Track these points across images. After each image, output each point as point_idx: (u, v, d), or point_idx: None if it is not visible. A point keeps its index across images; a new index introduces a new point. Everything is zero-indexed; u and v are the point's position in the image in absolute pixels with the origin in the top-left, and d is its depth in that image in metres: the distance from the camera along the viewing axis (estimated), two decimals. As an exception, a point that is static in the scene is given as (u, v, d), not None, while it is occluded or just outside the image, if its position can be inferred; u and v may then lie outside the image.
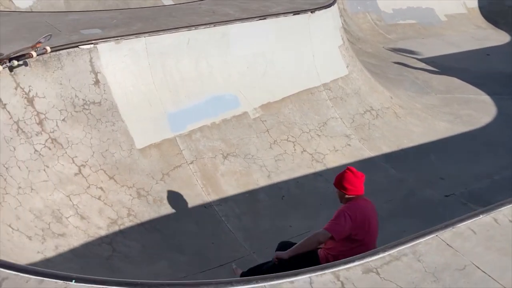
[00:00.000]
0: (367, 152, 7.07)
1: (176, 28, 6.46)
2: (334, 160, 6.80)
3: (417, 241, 3.09)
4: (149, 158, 5.78)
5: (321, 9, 7.74)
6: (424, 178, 6.66)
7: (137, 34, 6.19)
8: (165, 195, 5.56)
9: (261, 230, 5.55)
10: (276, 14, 7.35)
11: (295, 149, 6.75)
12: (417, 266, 2.91)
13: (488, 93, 9.51)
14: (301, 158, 6.67)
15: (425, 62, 11.37)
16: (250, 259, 5.11)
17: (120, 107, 5.83)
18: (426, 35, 13.86)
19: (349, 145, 7.11)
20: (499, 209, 3.40)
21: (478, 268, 2.91)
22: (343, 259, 2.97)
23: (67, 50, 5.61)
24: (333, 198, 6.14)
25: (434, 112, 8.52)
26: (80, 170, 5.25)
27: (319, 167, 6.64)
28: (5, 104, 5.02)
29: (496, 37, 13.77)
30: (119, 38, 6.03)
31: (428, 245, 3.07)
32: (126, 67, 6.04)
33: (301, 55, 7.54)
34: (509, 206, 3.44)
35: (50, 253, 4.44)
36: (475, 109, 8.79)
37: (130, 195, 5.40)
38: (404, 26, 14.11)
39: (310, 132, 7.05)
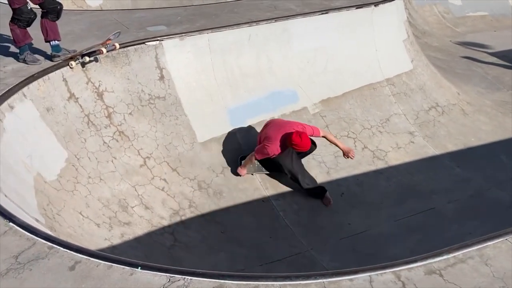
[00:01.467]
0: (432, 150, 6.81)
1: (238, 24, 6.55)
2: (397, 157, 6.62)
3: (485, 244, 2.94)
4: (210, 151, 5.91)
5: (385, 2, 7.53)
6: (493, 179, 6.32)
7: (200, 30, 6.34)
8: (224, 188, 5.67)
9: (319, 227, 5.52)
10: (339, 8, 7.24)
11: (355, 146, 6.63)
12: (484, 270, 2.78)
13: None
14: (361, 155, 6.55)
15: (496, 56, 10.72)
16: (308, 255, 5.11)
17: (183, 101, 6.01)
18: (499, 27, 13.06)
19: (413, 142, 6.89)
20: None
21: (553, 275, 2.72)
22: (405, 259, 2.89)
23: (134, 46, 5.86)
24: (394, 196, 6.04)
25: (505, 110, 8.03)
26: (145, 162, 5.48)
27: (380, 165, 6.49)
28: (77, 98, 5.33)
29: None
30: (183, 34, 6.20)
31: (497, 249, 2.92)
32: (189, 63, 6.20)
33: (364, 50, 7.39)
34: None
35: (116, 240, 4.67)
36: (552, 107, 8.19)
37: (192, 187, 5.56)
38: (474, 19, 13.40)
39: (372, 129, 6.90)
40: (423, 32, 12.17)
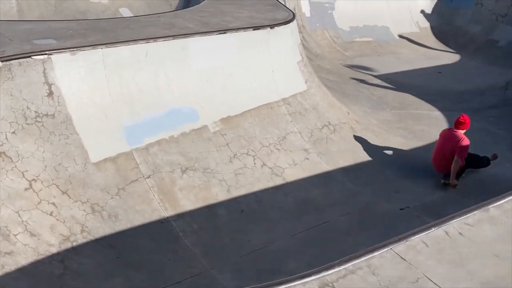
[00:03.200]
0: (325, 166, 7.16)
1: (134, 40, 6.38)
2: (293, 174, 6.86)
3: (372, 255, 3.13)
4: (104, 172, 5.62)
5: (280, 25, 7.84)
6: (380, 192, 6.81)
7: (94, 45, 6.05)
8: (120, 210, 5.41)
9: (219, 245, 5.49)
10: (236, 29, 7.39)
11: (255, 163, 6.76)
12: (372, 279, 2.95)
13: (440, 109, 9.89)
14: (260, 172, 6.68)
15: (380, 79, 11.72)
16: (208, 275, 5.04)
17: (74, 119, 5.67)
18: (382, 52, 14.31)
19: (308, 159, 7.19)
20: (449, 222, 3.51)
21: (430, 280, 2.98)
22: (300, 274, 2.97)
23: (19, 60, 5.42)
24: (291, 211, 6.23)
25: (389, 128, 8.77)
26: (30, 185, 5.04)
27: (278, 181, 6.67)
28: (-51, 116, 4.78)
29: (447, 56, 14.41)
30: (74, 49, 5.88)
31: (383, 259, 3.12)
32: (81, 78, 5.89)
33: (261, 70, 7.60)
34: (459, 219, 3.56)
35: (-5, 272, 4.22)
36: (428, 125, 9.11)
37: (84, 210, 5.23)
38: (361, 44, 14.53)
39: (270, 146, 7.09)
40: (316, 55, 12.90)
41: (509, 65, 12.88)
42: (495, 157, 7.55)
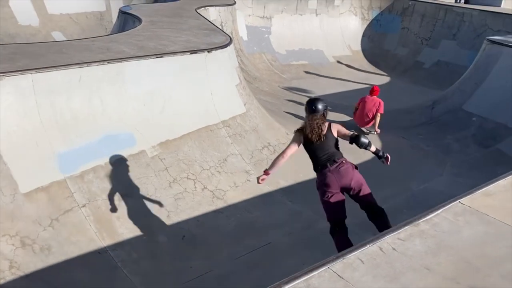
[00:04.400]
0: (266, 187, 7.23)
1: (67, 65, 6.18)
2: (235, 196, 6.86)
3: (311, 274, 3.17)
4: (36, 202, 5.34)
5: (217, 49, 7.93)
6: (320, 210, 6.91)
7: (23, 70, 5.80)
8: (54, 242, 5.15)
9: (160, 274, 5.35)
10: (173, 53, 7.37)
11: (195, 187, 6.70)
12: (311, 299, 2.99)
13: (373, 128, 10.33)
14: (201, 196, 6.63)
15: (317, 100, 12.07)
16: (148, 305, 4.89)
17: (2, 149, 5.36)
18: (317, 75, 14.83)
19: (249, 180, 7.23)
20: (383, 238, 3.63)
21: (367, 296, 3.06)
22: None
23: None
24: (233, 235, 6.20)
25: (326, 147, 9.02)
26: (-49, 220, 4.69)
27: (220, 204, 6.65)
28: None
29: (377, 77, 15.17)
30: (1, 74, 5.60)
31: (321, 278, 3.16)
32: (9, 105, 5.60)
33: (200, 93, 7.62)
34: (391, 234, 3.69)
35: None
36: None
37: (13, 245, 4.92)
38: (297, 67, 14.99)
39: (211, 169, 7.06)
40: (254, 77, 13.13)
41: (434, 85, 13.80)
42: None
